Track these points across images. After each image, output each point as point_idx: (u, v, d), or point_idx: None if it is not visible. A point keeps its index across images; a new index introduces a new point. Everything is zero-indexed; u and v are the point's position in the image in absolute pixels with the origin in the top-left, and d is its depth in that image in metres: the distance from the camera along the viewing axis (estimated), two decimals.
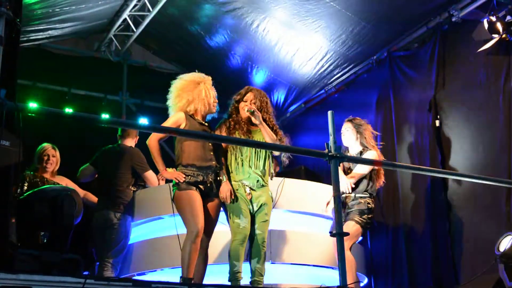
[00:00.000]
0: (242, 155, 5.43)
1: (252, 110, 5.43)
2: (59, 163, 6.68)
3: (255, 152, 5.45)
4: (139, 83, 10.27)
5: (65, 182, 6.62)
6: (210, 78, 5.54)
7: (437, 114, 7.58)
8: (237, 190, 5.34)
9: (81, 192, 6.57)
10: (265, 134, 5.47)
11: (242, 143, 5.47)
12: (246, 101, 5.57)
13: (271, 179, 5.60)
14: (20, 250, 3.98)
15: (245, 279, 5.26)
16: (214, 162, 5.35)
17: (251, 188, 5.37)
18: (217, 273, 5.60)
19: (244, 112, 5.53)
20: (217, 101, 5.54)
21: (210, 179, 5.32)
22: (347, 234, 4.46)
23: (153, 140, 5.30)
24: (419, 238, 7.54)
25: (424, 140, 7.63)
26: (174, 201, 5.30)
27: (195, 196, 5.20)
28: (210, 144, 5.38)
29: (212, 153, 5.36)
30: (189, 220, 5.14)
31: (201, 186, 5.27)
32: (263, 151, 5.48)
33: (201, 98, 5.43)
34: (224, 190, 5.32)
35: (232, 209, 5.31)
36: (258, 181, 5.40)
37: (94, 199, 6.70)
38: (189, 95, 5.43)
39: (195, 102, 5.43)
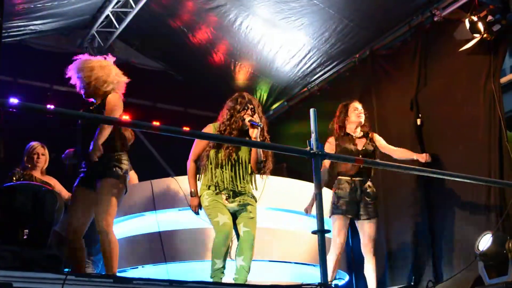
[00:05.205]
0: (224, 168, 5.37)
1: (260, 124, 5.31)
2: (47, 161, 6.74)
3: (238, 168, 5.39)
4: None
5: (53, 182, 6.65)
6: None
7: (419, 112, 7.62)
8: (215, 192, 5.32)
9: (66, 194, 6.55)
10: (255, 151, 5.38)
11: (227, 141, 5.40)
12: (247, 110, 5.44)
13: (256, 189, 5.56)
14: (1, 247, 3.95)
15: (229, 276, 5.24)
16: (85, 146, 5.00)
17: (228, 197, 5.35)
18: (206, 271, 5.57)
19: (240, 122, 5.43)
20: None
21: (88, 168, 5.08)
22: (328, 231, 4.47)
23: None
24: (400, 236, 7.57)
25: (406, 138, 7.65)
26: None
27: (77, 192, 5.12)
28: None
29: (81, 134, 5.16)
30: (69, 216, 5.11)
31: (82, 176, 5.15)
32: (246, 169, 5.43)
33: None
34: (193, 205, 5.36)
35: (210, 211, 5.28)
36: (236, 192, 5.37)
37: None
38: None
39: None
